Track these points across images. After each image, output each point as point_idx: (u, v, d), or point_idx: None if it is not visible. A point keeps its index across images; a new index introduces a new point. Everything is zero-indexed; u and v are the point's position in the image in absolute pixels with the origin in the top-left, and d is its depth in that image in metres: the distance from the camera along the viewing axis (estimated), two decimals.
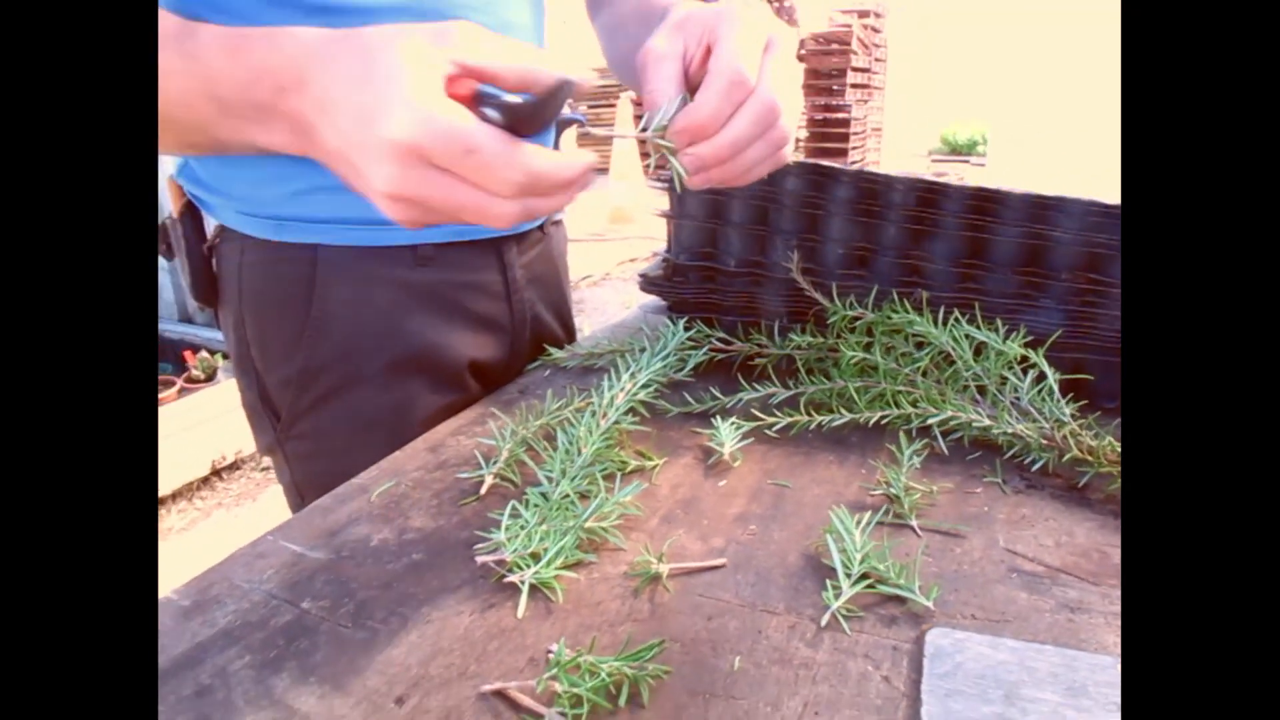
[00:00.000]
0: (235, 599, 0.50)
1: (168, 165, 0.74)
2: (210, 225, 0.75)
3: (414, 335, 0.75)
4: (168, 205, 0.77)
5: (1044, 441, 0.60)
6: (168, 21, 0.52)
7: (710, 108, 0.50)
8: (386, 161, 0.43)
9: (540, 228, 0.88)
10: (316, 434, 0.76)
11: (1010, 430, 0.62)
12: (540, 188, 0.45)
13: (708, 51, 0.52)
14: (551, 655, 0.42)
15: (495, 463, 0.63)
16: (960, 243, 0.74)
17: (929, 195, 0.74)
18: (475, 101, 0.45)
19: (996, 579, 0.49)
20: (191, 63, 0.50)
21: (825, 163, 0.77)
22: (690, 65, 0.53)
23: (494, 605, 0.48)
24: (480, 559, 0.51)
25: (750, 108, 0.50)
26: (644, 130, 0.52)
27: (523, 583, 0.48)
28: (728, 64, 0.49)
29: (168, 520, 2.71)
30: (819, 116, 7.10)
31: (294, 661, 0.44)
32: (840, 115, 6.95)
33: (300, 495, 0.79)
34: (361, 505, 0.60)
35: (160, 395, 2.85)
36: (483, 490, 0.60)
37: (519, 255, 0.84)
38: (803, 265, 0.78)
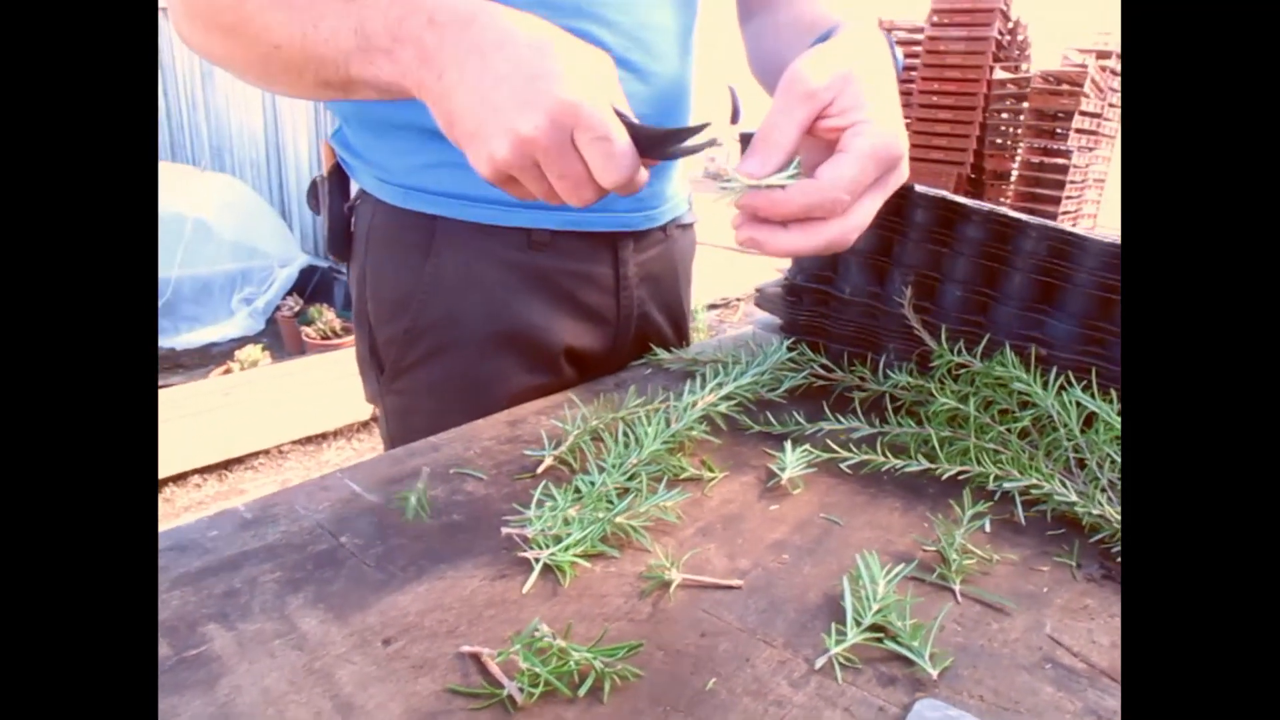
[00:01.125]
0: (289, 521, 0.55)
1: (298, 126, 0.82)
2: (354, 188, 0.82)
3: (516, 314, 0.79)
4: (321, 164, 0.85)
5: None
6: None
7: (789, 210, 0.50)
8: (543, 112, 0.48)
9: (663, 228, 0.89)
10: (413, 391, 0.81)
11: (1097, 512, 0.56)
12: (628, 190, 0.51)
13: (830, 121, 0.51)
14: (522, 631, 0.43)
15: (559, 446, 0.64)
16: (1090, 302, 0.68)
17: (1063, 246, 0.68)
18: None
19: (1026, 665, 0.45)
20: (350, 4, 0.54)
21: (956, 198, 0.73)
22: (824, 118, 0.51)
23: (505, 576, 0.50)
24: (505, 530, 0.53)
25: (828, 231, 0.51)
26: (738, 182, 0.51)
27: (536, 561, 0.49)
28: (836, 187, 0.49)
29: (324, 454, 2.98)
30: (1035, 159, 6.63)
31: (313, 586, 0.48)
32: (1059, 160, 6.45)
33: (392, 445, 0.84)
34: (427, 461, 0.63)
35: (339, 340, 3.12)
36: (539, 469, 0.62)
37: (635, 253, 0.86)
38: (917, 303, 0.74)
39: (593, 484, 0.58)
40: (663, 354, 0.87)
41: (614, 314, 0.86)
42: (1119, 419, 0.60)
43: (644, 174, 0.52)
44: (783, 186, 0.50)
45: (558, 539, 0.51)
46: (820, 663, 0.44)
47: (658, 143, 0.52)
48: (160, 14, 6.55)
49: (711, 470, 0.63)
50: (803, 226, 0.51)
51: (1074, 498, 0.57)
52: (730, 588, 0.50)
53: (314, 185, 0.85)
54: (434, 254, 0.76)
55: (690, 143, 0.53)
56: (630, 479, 0.58)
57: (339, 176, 0.82)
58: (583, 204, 0.51)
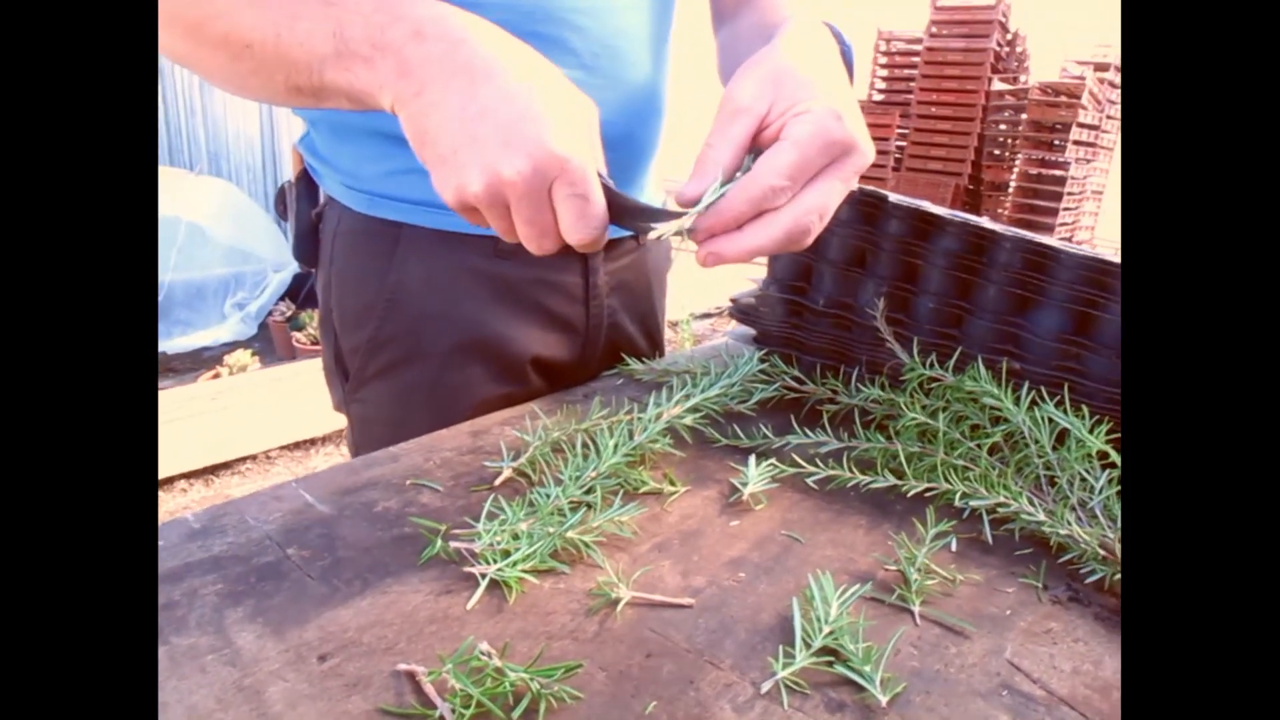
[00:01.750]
0: (236, 532, 0.53)
1: (294, 131, 0.80)
2: (322, 194, 0.81)
3: (481, 323, 0.77)
4: (289, 169, 0.84)
5: (1102, 553, 0.53)
6: None
7: (733, 213, 0.49)
8: (526, 157, 0.46)
9: (635, 238, 0.88)
10: (377, 401, 0.80)
11: (1065, 531, 0.55)
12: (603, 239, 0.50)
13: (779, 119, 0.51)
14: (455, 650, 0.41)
15: (518, 457, 0.63)
16: (1066, 316, 0.67)
17: (1039, 259, 0.67)
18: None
19: (982, 691, 0.44)
20: (329, 7, 0.51)
21: (931, 208, 0.72)
22: (766, 127, 0.51)
23: (451, 592, 0.48)
24: (453, 544, 0.51)
25: (780, 221, 0.50)
26: (669, 224, 0.52)
27: (482, 576, 0.48)
28: (772, 176, 0.48)
29: (312, 460, 2.96)
30: (1033, 171, 6.63)
31: (253, 600, 0.47)
32: (1056, 173, 6.46)
33: (356, 454, 0.83)
34: (385, 472, 0.62)
35: None
36: (497, 481, 0.61)
37: (606, 261, 0.85)
38: (891, 315, 0.73)
39: (548, 497, 0.56)
40: (634, 364, 0.86)
41: (583, 323, 0.85)
42: (1091, 435, 0.59)
43: (605, 236, 0.51)
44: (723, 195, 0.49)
45: (506, 554, 0.50)
46: (766, 686, 0.42)
47: (631, 214, 0.52)
48: None
49: (673, 484, 0.62)
50: (755, 223, 0.50)
51: (1042, 516, 0.56)
52: (681, 606, 0.49)
53: (282, 191, 0.84)
54: (398, 261, 0.75)
55: (662, 225, 0.52)
56: (587, 492, 0.57)
57: (307, 182, 0.81)
58: (540, 252, 0.50)
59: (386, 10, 0.50)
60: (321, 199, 0.81)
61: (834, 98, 0.51)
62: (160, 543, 0.52)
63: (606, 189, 0.50)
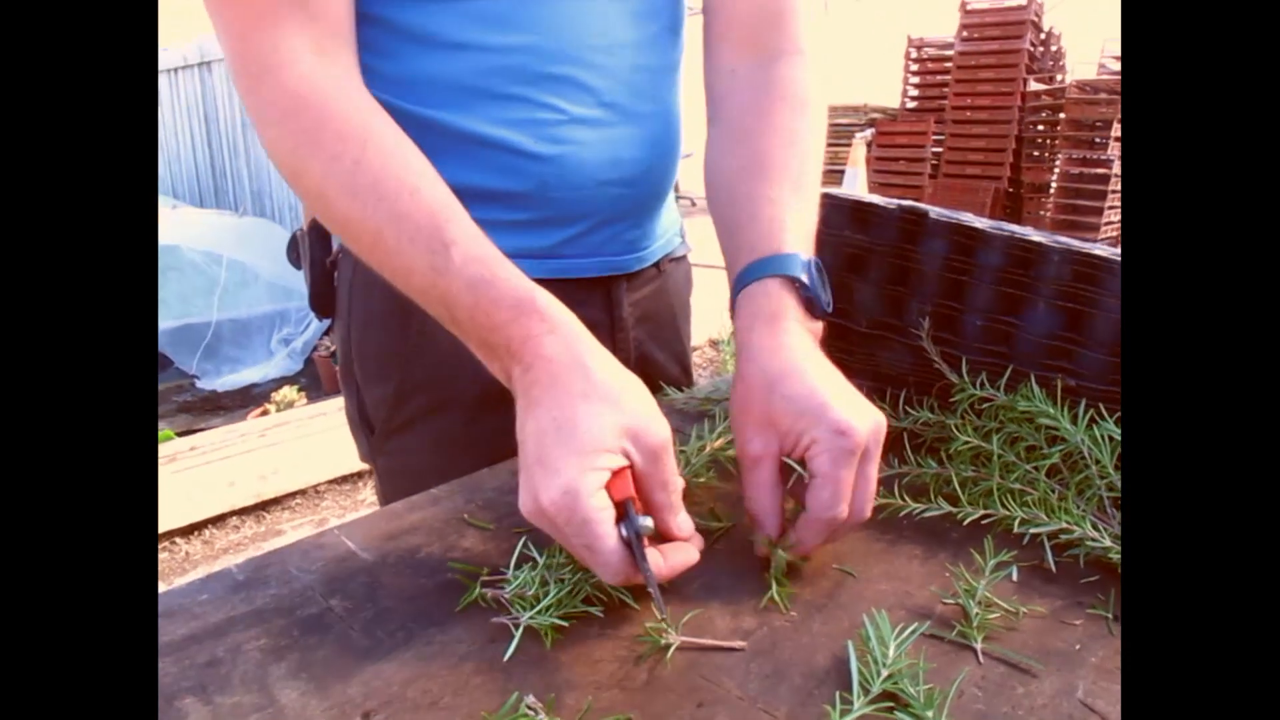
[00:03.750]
0: (279, 583, 0.53)
1: None
2: (336, 241, 0.81)
3: None
4: (302, 216, 0.84)
5: None
6: (424, 216, 0.56)
7: (812, 544, 0.54)
8: (534, 499, 0.49)
9: (656, 265, 0.87)
10: (404, 453, 0.79)
11: None
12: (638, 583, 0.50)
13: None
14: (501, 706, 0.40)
15: None
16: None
17: (1089, 271, 0.64)
18: (621, 509, 0.49)
19: None
20: (437, 278, 0.56)
21: (973, 221, 0.69)
22: (789, 453, 0.55)
23: (496, 641, 0.47)
24: (489, 592, 0.50)
25: (850, 525, 0.55)
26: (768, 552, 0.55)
27: (515, 625, 0.47)
28: (826, 511, 0.52)
29: (361, 494, 2.98)
30: (1074, 171, 6.50)
31: (297, 654, 0.46)
32: (1099, 171, 6.31)
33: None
34: (426, 516, 0.62)
35: None
36: None
37: (629, 292, 0.83)
38: (936, 334, 0.71)
39: None
40: (674, 394, 0.85)
41: None
42: None
43: (687, 556, 0.52)
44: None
45: (536, 600, 0.49)
46: None
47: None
48: (204, 68, 6.79)
49: (718, 519, 0.60)
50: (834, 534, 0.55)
51: (1109, 542, 0.53)
52: (732, 649, 0.47)
53: (294, 239, 0.83)
54: (418, 310, 0.74)
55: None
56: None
57: (320, 230, 0.80)
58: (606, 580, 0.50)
59: (486, 311, 0.54)
60: (335, 247, 0.81)
61: (833, 395, 0.54)
62: (205, 596, 0.52)
63: (639, 536, 0.49)
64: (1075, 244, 0.66)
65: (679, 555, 0.51)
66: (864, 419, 0.53)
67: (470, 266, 0.55)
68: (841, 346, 0.78)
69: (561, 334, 0.53)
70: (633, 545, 0.48)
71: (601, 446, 0.49)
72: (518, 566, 0.51)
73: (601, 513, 0.48)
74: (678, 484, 0.53)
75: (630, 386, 0.52)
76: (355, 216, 0.58)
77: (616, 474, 0.49)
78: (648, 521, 0.49)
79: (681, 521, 0.53)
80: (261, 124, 0.61)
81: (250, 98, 0.61)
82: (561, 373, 0.51)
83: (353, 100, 0.61)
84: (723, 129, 0.75)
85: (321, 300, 0.81)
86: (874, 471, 0.54)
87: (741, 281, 0.63)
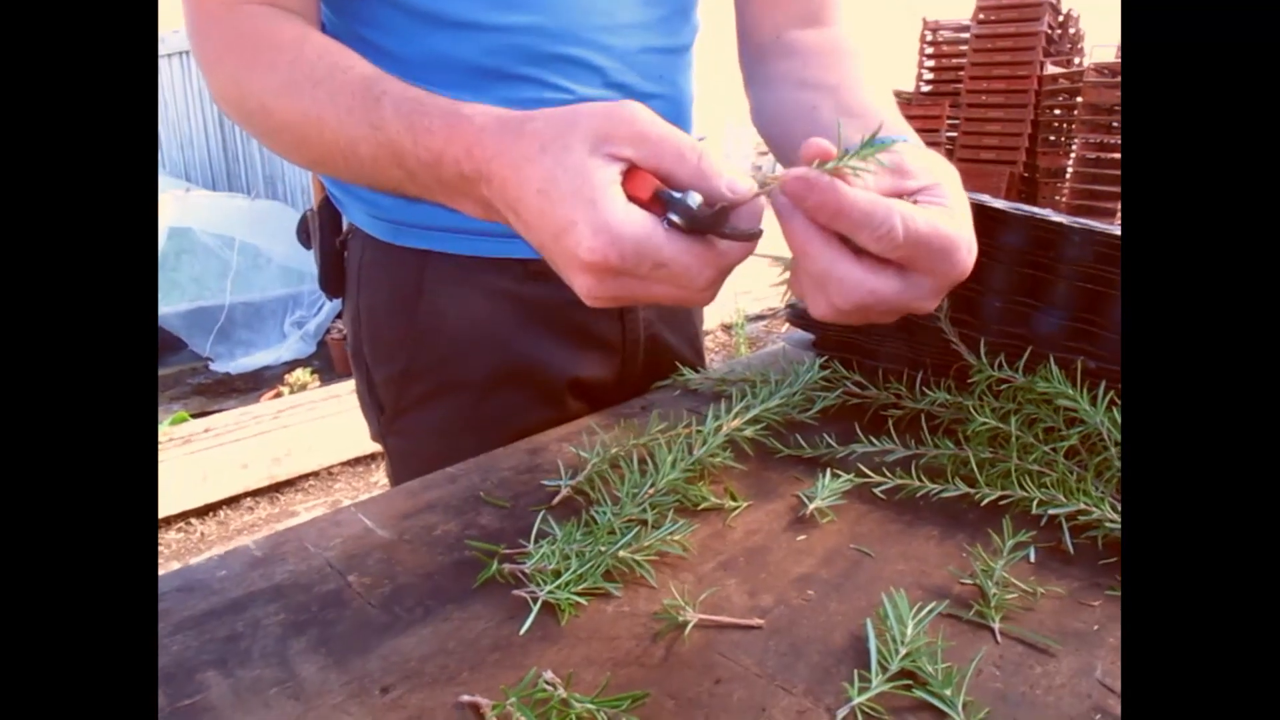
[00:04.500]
0: (297, 560, 0.53)
1: None
2: (346, 220, 0.81)
3: (516, 349, 0.76)
4: (313, 196, 0.84)
5: None
6: (356, 85, 0.54)
7: (852, 198, 0.43)
8: (581, 274, 0.45)
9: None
10: (414, 434, 0.79)
11: None
12: (730, 269, 0.46)
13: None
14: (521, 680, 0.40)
15: (576, 475, 0.62)
16: None
17: (1110, 252, 0.64)
18: (656, 202, 0.45)
19: (1072, 715, 0.41)
20: (377, 133, 0.53)
21: (992, 201, 0.69)
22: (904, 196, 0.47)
23: (514, 617, 0.48)
24: (507, 567, 0.50)
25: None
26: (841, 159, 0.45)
27: (534, 599, 0.47)
28: (924, 219, 0.44)
29: (374, 475, 3.00)
30: (1090, 155, 6.43)
31: (316, 629, 0.47)
32: (1115, 156, 6.25)
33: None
34: (443, 494, 0.62)
35: None
36: (555, 500, 0.60)
37: None
38: (955, 315, 0.70)
39: (605, 515, 0.55)
40: (690, 374, 0.84)
41: (620, 340, 0.83)
42: None
43: (757, 220, 0.46)
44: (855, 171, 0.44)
45: (557, 574, 0.49)
46: (842, 714, 0.40)
47: (720, 219, 0.45)
48: None
49: (735, 499, 0.60)
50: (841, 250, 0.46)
51: None
52: (750, 628, 0.47)
53: (304, 220, 0.83)
54: (427, 290, 0.74)
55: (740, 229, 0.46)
56: (651, 509, 0.56)
57: (329, 210, 0.80)
58: (711, 299, 0.47)
59: (425, 147, 0.50)
60: (345, 227, 0.81)
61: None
62: (223, 572, 0.52)
63: (688, 213, 0.44)
64: (1097, 225, 0.65)
65: (746, 217, 0.45)
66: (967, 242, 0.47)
67: (403, 107, 0.52)
68: (857, 328, 0.78)
69: (494, 123, 0.49)
70: (692, 223, 0.43)
71: (591, 166, 0.44)
72: (536, 542, 0.51)
73: (640, 216, 0.43)
74: (697, 146, 0.45)
75: (580, 107, 0.47)
76: (297, 113, 0.55)
77: (628, 176, 0.45)
78: (691, 196, 0.44)
79: (730, 182, 0.44)
80: (208, 69, 0.60)
81: (199, 50, 0.60)
82: (514, 151, 0.47)
83: (291, 23, 0.60)
84: (781, 82, 0.73)
85: (331, 280, 0.81)
86: (907, 296, 0.47)
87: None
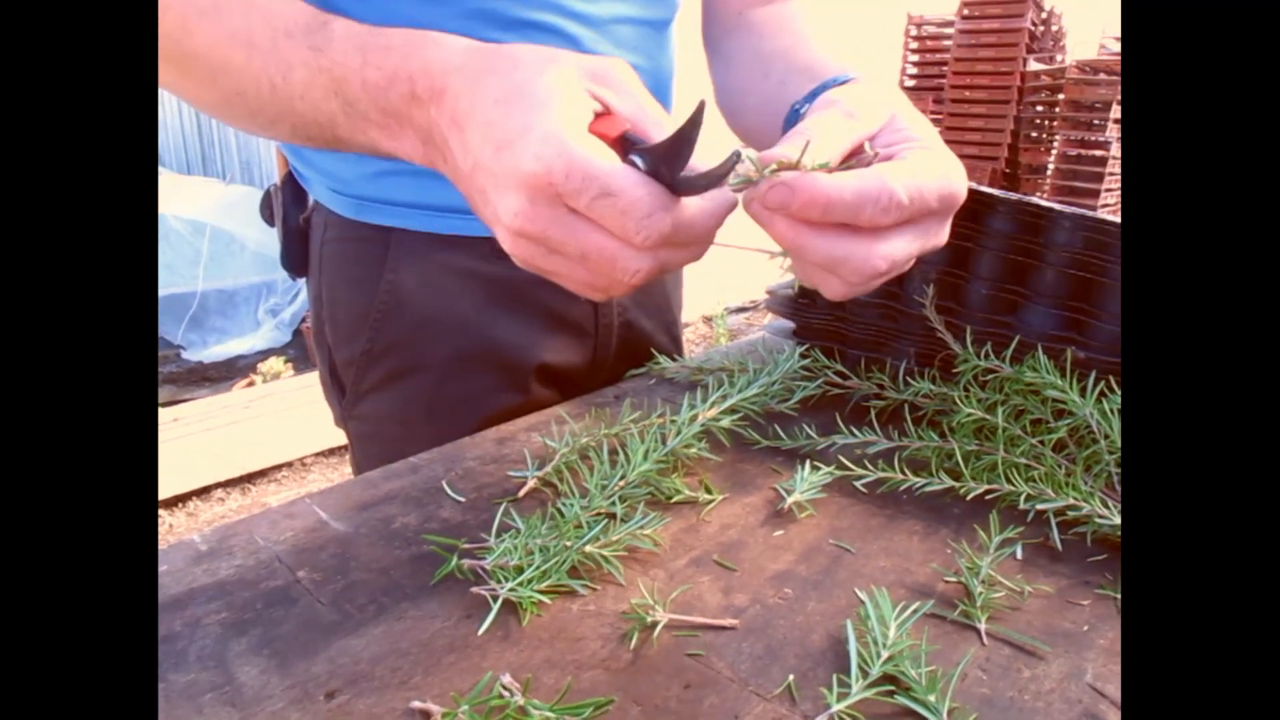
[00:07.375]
0: (245, 554, 0.50)
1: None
2: (311, 198, 0.77)
3: (481, 329, 0.73)
4: (275, 172, 0.80)
5: None
6: (300, 12, 0.51)
7: (834, 196, 0.40)
8: (515, 192, 0.40)
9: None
10: (376, 417, 0.76)
11: None
12: (680, 238, 0.41)
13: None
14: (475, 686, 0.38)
15: (543, 466, 0.59)
16: None
17: (1101, 238, 0.62)
18: (621, 146, 0.41)
19: None
20: (319, 56, 0.49)
21: (981, 187, 0.66)
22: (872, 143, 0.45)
23: (472, 616, 0.45)
24: (466, 562, 0.47)
25: (859, 249, 0.42)
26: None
27: (494, 597, 0.44)
28: (905, 179, 0.41)
29: (347, 467, 2.95)
30: (1072, 152, 6.46)
31: (259, 629, 0.43)
32: (1097, 153, 6.27)
33: (359, 474, 0.79)
34: (404, 485, 0.59)
35: None
36: (521, 493, 0.57)
37: None
38: (940, 303, 0.68)
39: (571, 509, 0.52)
40: (666, 363, 0.81)
41: (593, 324, 0.80)
42: None
43: (727, 197, 0.42)
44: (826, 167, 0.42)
45: (519, 570, 0.46)
46: None
47: (682, 150, 0.41)
48: None
49: (710, 492, 0.58)
50: (831, 233, 0.42)
51: (1118, 519, 0.51)
52: (723, 628, 0.44)
53: (267, 195, 0.79)
54: (390, 268, 0.70)
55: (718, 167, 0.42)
56: (620, 502, 0.53)
57: (293, 186, 0.77)
58: (638, 279, 0.42)
59: (378, 65, 0.46)
60: (309, 204, 0.77)
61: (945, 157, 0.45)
62: (164, 567, 0.49)
63: (652, 151, 0.40)
64: (1087, 211, 0.63)
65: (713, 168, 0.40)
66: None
67: (355, 28, 0.48)
68: (840, 315, 0.75)
69: (465, 43, 0.46)
70: (659, 172, 0.39)
71: (566, 90, 0.40)
72: (498, 536, 0.48)
73: (600, 144, 0.39)
74: (656, 103, 0.44)
75: (561, 50, 0.44)
76: (224, 33, 0.50)
77: (599, 117, 0.42)
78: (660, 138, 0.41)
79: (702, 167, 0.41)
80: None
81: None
82: (479, 64, 0.43)
83: None
84: (740, 58, 0.72)
85: (293, 258, 0.78)
86: (919, 244, 0.44)
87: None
